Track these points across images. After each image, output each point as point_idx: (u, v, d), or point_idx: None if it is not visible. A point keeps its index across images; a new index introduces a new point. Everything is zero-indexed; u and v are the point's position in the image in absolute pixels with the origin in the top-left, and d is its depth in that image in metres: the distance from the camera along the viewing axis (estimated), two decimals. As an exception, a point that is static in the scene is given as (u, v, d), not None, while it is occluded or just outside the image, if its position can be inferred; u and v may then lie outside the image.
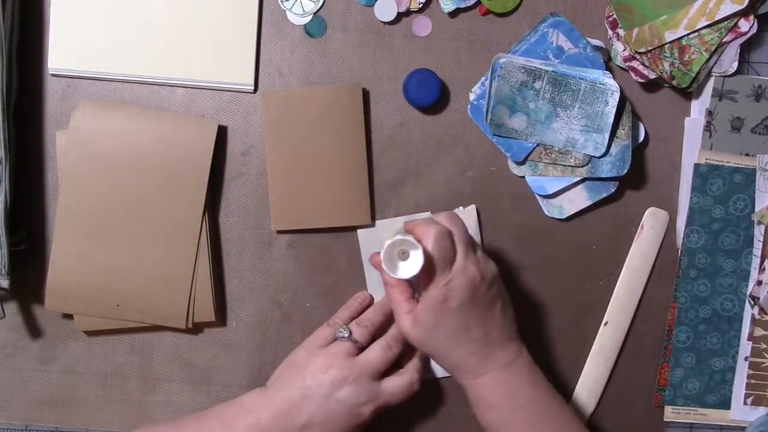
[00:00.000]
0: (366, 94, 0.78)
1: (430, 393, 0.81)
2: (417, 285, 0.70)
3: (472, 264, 0.68)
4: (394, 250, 0.67)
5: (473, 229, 0.79)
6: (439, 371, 0.80)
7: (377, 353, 0.73)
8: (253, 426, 0.70)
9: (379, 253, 0.69)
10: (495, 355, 0.70)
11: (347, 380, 0.71)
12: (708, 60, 0.76)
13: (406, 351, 0.75)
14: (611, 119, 0.76)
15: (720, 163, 0.79)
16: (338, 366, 0.71)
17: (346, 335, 0.73)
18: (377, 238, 0.79)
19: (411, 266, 0.66)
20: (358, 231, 0.79)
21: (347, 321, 0.76)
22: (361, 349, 0.74)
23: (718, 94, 0.79)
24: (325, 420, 0.70)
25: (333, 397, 0.70)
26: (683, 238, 0.80)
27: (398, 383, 0.73)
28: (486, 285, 0.69)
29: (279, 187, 0.77)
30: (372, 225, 0.79)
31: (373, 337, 0.75)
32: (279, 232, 0.79)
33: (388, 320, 0.77)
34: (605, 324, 0.81)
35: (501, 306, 0.71)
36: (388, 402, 0.73)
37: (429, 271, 0.67)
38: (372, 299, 0.79)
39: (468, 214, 0.79)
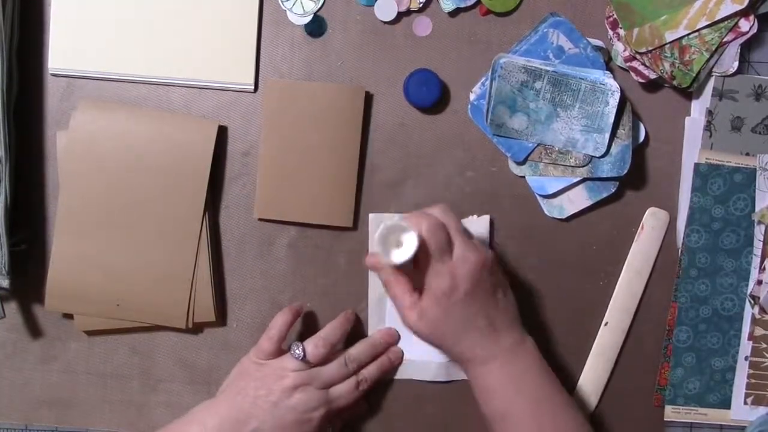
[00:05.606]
0: (368, 97, 0.78)
1: (434, 395, 0.81)
2: (415, 276, 0.69)
3: (472, 251, 0.69)
4: (389, 237, 0.67)
5: (485, 238, 0.79)
6: (426, 375, 0.80)
7: (332, 369, 0.74)
8: None
9: (373, 254, 0.69)
10: (500, 342, 0.70)
11: (298, 388, 0.71)
12: (708, 60, 0.76)
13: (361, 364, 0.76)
14: (611, 119, 0.76)
15: (720, 163, 0.79)
16: (291, 377, 0.71)
17: (300, 356, 0.72)
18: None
19: (405, 250, 0.67)
20: (370, 215, 0.79)
21: (284, 330, 0.74)
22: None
23: (719, 94, 0.79)
24: (275, 426, 0.70)
25: (283, 403, 0.71)
26: (683, 237, 0.80)
27: (344, 384, 0.74)
28: (487, 271, 0.69)
29: (268, 177, 0.77)
30: (354, 228, 0.79)
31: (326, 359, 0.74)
32: (260, 219, 0.79)
33: (343, 339, 0.77)
34: (605, 324, 0.81)
35: (502, 292, 0.71)
36: (338, 405, 0.73)
37: (426, 260, 0.67)
38: (301, 309, 0.78)
39: (481, 224, 0.79)
